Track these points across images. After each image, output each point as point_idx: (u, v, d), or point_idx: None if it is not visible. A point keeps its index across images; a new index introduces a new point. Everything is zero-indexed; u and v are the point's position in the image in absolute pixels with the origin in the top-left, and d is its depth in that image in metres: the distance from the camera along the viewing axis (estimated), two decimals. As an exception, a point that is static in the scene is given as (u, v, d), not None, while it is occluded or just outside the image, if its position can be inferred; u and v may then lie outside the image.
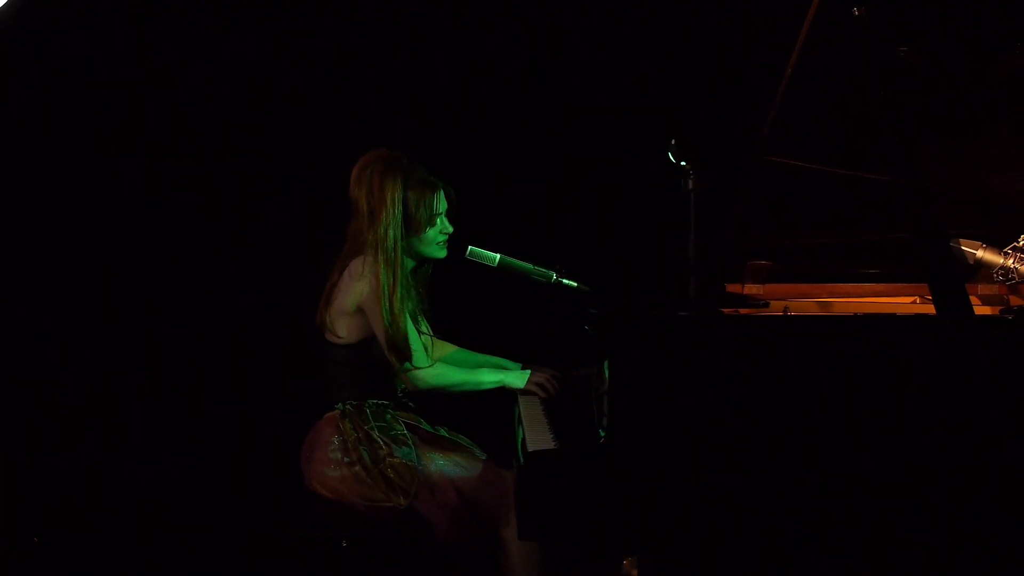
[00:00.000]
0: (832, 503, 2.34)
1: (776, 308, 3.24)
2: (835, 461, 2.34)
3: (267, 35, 4.05)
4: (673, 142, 2.57)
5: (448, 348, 3.38)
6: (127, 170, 4.08)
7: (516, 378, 3.12)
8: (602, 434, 2.36)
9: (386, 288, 2.98)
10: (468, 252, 3.16)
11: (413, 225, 3.06)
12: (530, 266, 3.17)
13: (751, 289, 3.42)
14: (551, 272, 3.18)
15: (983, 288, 3.24)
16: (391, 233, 3.01)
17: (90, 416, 4.01)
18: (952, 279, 2.51)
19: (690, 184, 2.57)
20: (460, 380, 3.11)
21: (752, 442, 2.32)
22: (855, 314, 3.05)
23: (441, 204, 3.12)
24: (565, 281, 3.17)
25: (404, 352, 3.00)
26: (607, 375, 2.38)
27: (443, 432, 3.16)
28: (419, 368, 3.04)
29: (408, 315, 3.02)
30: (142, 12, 4.00)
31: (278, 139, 4.08)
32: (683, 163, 2.57)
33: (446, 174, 3.20)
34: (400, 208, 3.02)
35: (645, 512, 2.29)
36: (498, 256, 3.16)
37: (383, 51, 4.10)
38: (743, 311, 3.04)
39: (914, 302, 3.20)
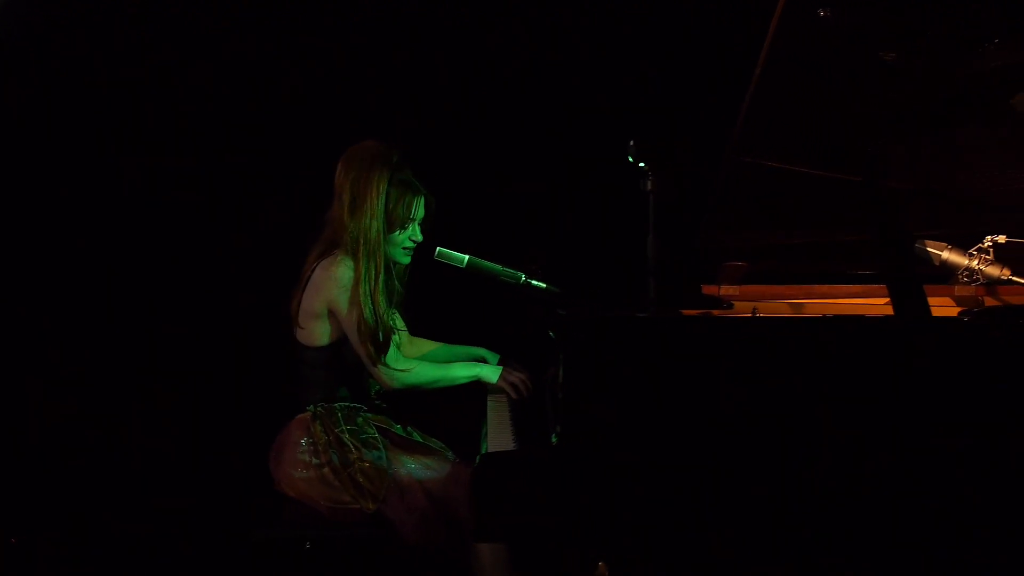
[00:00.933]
0: (783, 502, 2.34)
1: (744, 309, 3.25)
2: (786, 460, 2.34)
3: (266, 35, 4.05)
4: (632, 143, 2.57)
5: (427, 346, 3.39)
6: (125, 169, 4.09)
7: (491, 372, 3.11)
8: (554, 438, 2.36)
9: (366, 278, 2.97)
10: (436, 253, 3.16)
11: (388, 223, 3.05)
12: (499, 267, 3.17)
13: (727, 290, 3.42)
14: (520, 273, 3.17)
15: (959, 290, 3.24)
16: (374, 224, 3.00)
17: (69, 415, 4.02)
18: (910, 281, 2.50)
19: (649, 185, 2.57)
20: (434, 377, 3.09)
21: (703, 443, 2.32)
22: (820, 315, 3.06)
23: (419, 210, 3.11)
24: (534, 282, 3.17)
25: (380, 346, 2.98)
26: (560, 375, 2.38)
27: (415, 435, 3.15)
28: (392, 366, 3.02)
29: (384, 310, 3.01)
30: (139, 11, 4.01)
31: (277, 138, 4.09)
32: (641, 164, 2.57)
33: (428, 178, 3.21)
34: (383, 201, 3.01)
35: (596, 513, 2.29)
36: (467, 257, 3.16)
37: (364, 50, 4.12)
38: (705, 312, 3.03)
39: (888, 303, 3.20)
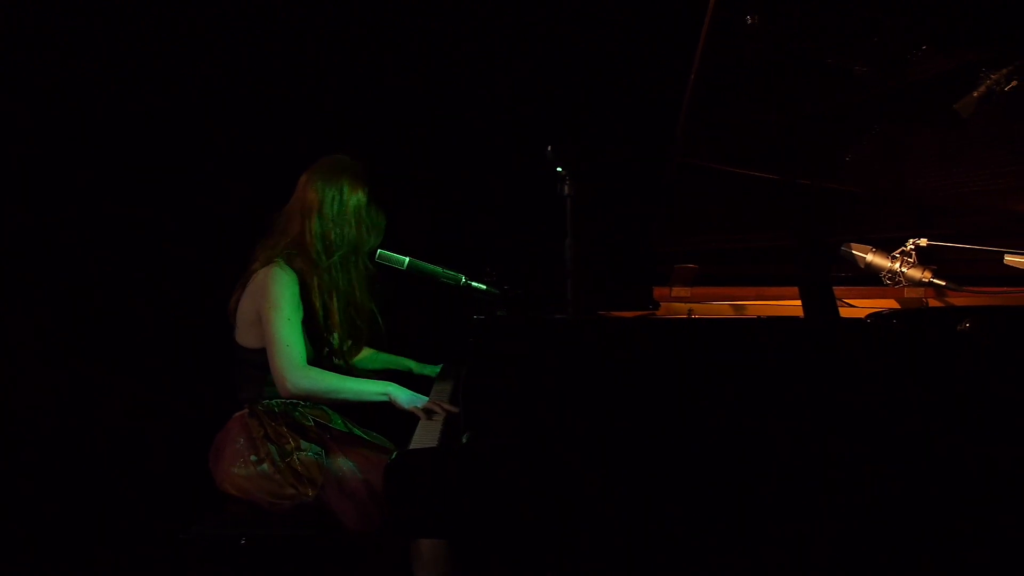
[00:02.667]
0: (685, 503, 2.37)
1: (682, 311, 3.29)
2: (688, 462, 2.37)
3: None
4: (549, 148, 2.62)
5: (363, 351, 3.45)
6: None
7: (401, 393, 3.06)
8: (464, 439, 2.41)
9: (322, 287, 3.07)
10: (378, 255, 3.21)
11: (368, 231, 3.17)
12: (439, 269, 3.22)
13: (679, 292, 3.47)
14: (460, 275, 3.22)
15: (908, 292, 3.27)
16: (348, 234, 3.11)
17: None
18: (822, 283, 2.53)
19: (566, 189, 2.62)
20: (336, 387, 3.07)
21: (604, 443, 2.36)
22: (727, 317, 3.11)
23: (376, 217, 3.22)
24: (474, 284, 3.22)
25: (293, 361, 3.02)
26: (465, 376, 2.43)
27: (355, 430, 3.21)
28: (292, 372, 3.03)
29: (296, 314, 3.05)
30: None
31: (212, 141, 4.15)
32: (559, 168, 2.62)
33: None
34: (361, 214, 3.13)
35: (499, 510, 2.34)
36: (407, 259, 3.22)
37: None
38: (627, 314, 3.08)
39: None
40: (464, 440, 2.38)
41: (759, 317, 2.81)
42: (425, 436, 2.74)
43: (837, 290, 3.01)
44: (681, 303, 3.32)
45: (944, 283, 2.86)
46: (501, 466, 2.33)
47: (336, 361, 3.19)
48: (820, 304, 2.48)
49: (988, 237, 3.24)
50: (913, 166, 3.36)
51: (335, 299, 3.13)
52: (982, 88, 3.11)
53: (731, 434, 2.35)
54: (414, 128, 4.11)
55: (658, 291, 3.45)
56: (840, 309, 2.76)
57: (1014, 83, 3.09)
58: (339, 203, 3.11)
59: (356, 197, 3.13)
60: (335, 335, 3.15)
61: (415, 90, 4.12)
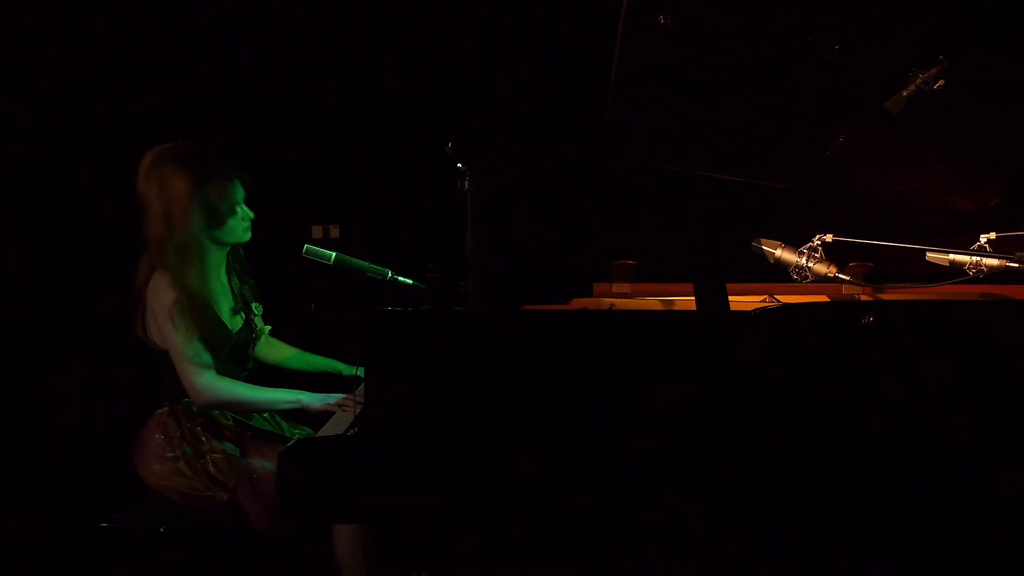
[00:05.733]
0: (579, 494, 2.42)
1: (601, 305, 3.32)
2: (584, 453, 2.41)
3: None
4: (450, 144, 2.66)
5: (284, 350, 3.46)
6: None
7: (312, 399, 3.04)
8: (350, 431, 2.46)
9: (194, 288, 2.99)
10: (304, 251, 3.22)
11: (216, 219, 3.05)
12: (365, 264, 3.23)
13: (620, 288, 3.50)
14: (387, 270, 3.24)
15: (846, 289, 3.30)
16: (190, 231, 3.01)
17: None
18: (714, 278, 2.56)
19: (466, 185, 2.66)
20: (249, 398, 3.05)
21: (494, 437, 2.40)
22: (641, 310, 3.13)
23: (239, 192, 3.12)
24: (400, 279, 3.23)
25: (198, 366, 2.99)
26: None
27: (282, 423, 3.24)
28: (200, 385, 3.00)
29: (192, 327, 2.99)
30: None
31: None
32: (460, 165, 2.66)
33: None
34: (199, 204, 3.00)
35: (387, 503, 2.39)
36: (334, 254, 3.23)
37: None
38: (538, 307, 3.11)
39: (764, 300, 3.26)
40: (348, 432, 2.41)
41: (665, 311, 2.81)
42: (333, 427, 2.78)
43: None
44: (622, 299, 3.35)
45: (848, 279, 2.88)
46: (381, 456, 2.37)
47: (250, 364, 3.22)
48: (713, 297, 2.51)
49: (922, 235, 3.27)
50: (846, 164, 3.37)
51: (219, 292, 3.11)
52: (911, 87, 3.13)
53: (617, 423, 2.39)
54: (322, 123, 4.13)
55: (599, 287, 3.49)
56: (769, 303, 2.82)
57: (942, 82, 3.10)
58: (169, 190, 2.98)
59: (182, 180, 2.99)
60: (234, 322, 3.14)
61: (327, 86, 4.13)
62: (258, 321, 3.29)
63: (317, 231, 4.49)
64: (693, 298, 3.31)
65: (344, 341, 3.53)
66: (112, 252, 4.10)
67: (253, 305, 3.26)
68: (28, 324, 4.17)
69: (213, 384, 3.00)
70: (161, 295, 2.99)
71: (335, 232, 4.48)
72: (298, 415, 3.23)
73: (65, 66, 4.17)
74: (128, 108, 4.22)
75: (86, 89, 4.21)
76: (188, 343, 2.97)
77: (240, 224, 3.13)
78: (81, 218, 4.20)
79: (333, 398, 3.03)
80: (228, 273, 3.21)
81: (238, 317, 3.18)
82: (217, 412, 3.12)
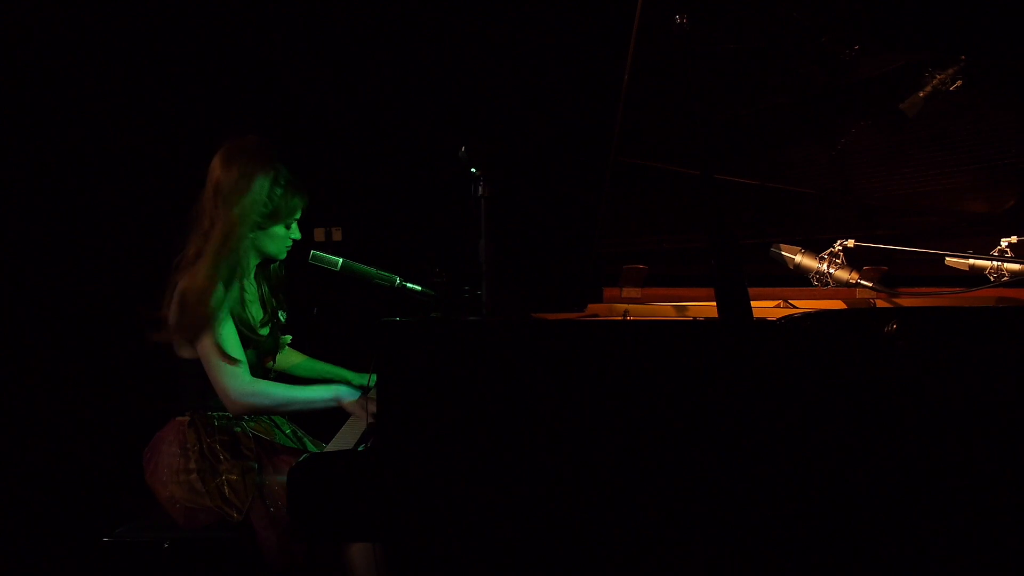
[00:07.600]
0: (595, 508, 2.36)
1: (616, 312, 3.26)
2: (601, 466, 2.35)
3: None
4: (463, 148, 2.59)
5: (293, 356, 3.37)
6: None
7: (350, 394, 2.96)
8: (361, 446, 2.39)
9: (228, 286, 2.92)
10: (311, 256, 3.16)
11: (272, 216, 3.01)
12: (373, 270, 3.17)
13: (630, 292, 3.44)
14: (395, 276, 3.17)
15: (860, 293, 3.25)
16: (249, 218, 2.95)
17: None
18: (736, 285, 2.50)
19: (481, 190, 2.59)
20: (287, 398, 2.94)
21: (512, 448, 2.34)
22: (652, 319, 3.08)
23: (299, 211, 3.10)
24: (409, 285, 3.17)
25: (233, 372, 2.89)
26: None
27: (305, 440, 3.14)
28: (238, 391, 2.90)
29: (229, 325, 2.93)
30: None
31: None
32: (473, 169, 2.59)
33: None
34: (267, 201, 2.98)
35: (401, 519, 2.32)
36: (340, 260, 3.17)
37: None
38: (551, 316, 3.05)
39: (778, 305, 3.20)
40: (359, 448, 2.34)
41: (658, 319, 2.76)
42: (342, 440, 2.71)
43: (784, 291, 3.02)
44: (635, 304, 3.30)
45: (870, 284, 2.83)
46: (393, 470, 2.31)
47: (268, 364, 3.14)
48: (736, 304, 2.45)
49: (936, 238, 3.22)
50: (860, 166, 3.33)
51: (248, 299, 3.04)
52: (928, 88, 3.09)
53: (635, 435, 2.33)
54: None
55: (608, 291, 3.43)
56: (784, 310, 2.77)
57: (959, 83, 3.06)
58: (251, 181, 2.97)
59: (264, 175, 3.00)
60: (263, 331, 3.07)
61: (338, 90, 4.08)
62: (284, 338, 3.22)
63: (319, 233, 4.43)
64: (705, 303, 3.32)
65: (350, 347, 3.50)
66: (113, 252, 4.08)
67: (280, 314, 3.18)
68: (28, 325, 4.10)
69: (252, 389, 2.91)
70: (202, 296, 2.88)
71: (337, 235, 4.42)
72: (321, 432, 3.15)
73: (65, 65, 4.11)
74: (128, 108, 4.17)
75: (86, 89, 4.16)
76: (230, 347, 2.89)
77: (285, 239, 3.09)
78: (81, 218, 4.16)
79: (355, 395, 2.95)
80: (258, 282, 3.13)
81: (266, 328, 3.10)
82: (239, 428, 3.01)
